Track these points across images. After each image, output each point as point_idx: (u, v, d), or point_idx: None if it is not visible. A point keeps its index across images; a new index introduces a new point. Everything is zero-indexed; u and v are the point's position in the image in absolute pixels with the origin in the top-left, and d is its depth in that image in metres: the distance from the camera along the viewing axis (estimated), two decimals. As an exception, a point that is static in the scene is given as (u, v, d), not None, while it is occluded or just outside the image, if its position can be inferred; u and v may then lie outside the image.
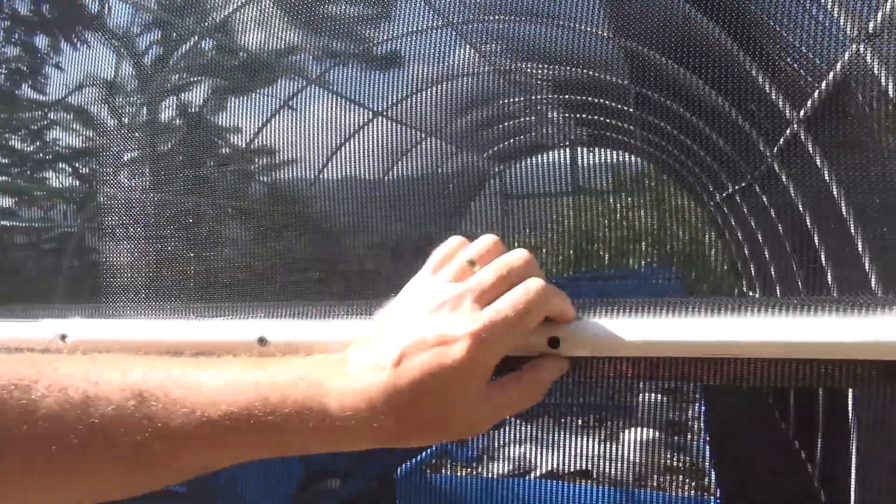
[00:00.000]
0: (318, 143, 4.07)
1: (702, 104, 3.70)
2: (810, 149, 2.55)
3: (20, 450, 0.51)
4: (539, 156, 5.77)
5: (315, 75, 4.15)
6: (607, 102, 4.68)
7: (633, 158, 5.37)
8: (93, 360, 0.56)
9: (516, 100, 4.75)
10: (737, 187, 4.15)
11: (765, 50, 2.39)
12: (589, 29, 3.64)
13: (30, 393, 0.52)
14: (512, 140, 5.28)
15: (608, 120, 4.94)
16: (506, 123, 5.07)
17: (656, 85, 3.97)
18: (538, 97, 4.75)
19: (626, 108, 4.55)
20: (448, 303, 0.52)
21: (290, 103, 4.08)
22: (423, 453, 2.85)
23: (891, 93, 1.85)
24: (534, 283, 0.53)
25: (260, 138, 3.50)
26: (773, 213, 3.59)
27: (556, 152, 5.64)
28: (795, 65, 2.34)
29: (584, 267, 6.27)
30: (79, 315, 0.79)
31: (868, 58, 1.66)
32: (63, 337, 0.73)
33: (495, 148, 5.36)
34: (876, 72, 1.66)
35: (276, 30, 2.97)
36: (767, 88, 2.66)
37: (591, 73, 4.13)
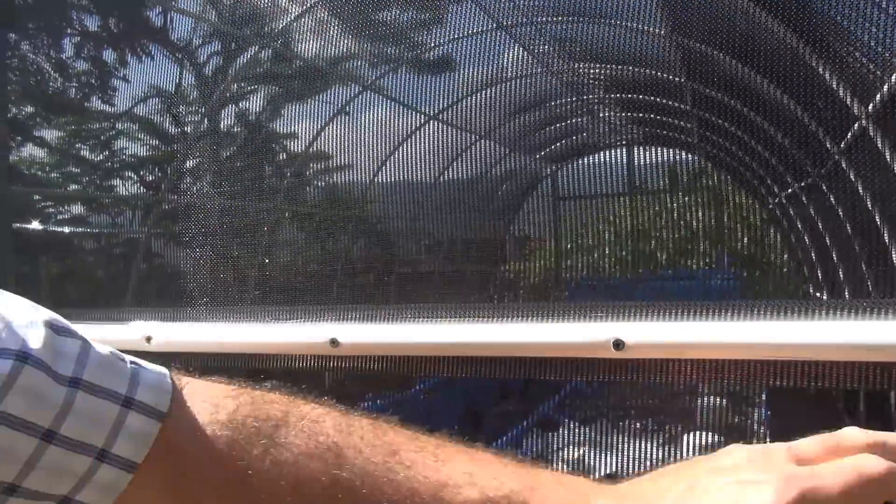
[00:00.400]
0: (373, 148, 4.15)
1: (763, 100, 3.60)
2: (879, 144, 2.46)
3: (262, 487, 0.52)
4: (594, 156, 5.72)
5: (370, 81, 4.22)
6: (664, 101, 4.61)
7: (690, 156, 5.27)
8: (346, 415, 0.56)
9: (572, 100, 4.73)
10: (801, 185, 4.03)
11: (829, 43, 2.32)
12: (645, 27, 3.60)
13: (276, 435, 0.53)
14: (569, 140, 5.25)
15: (666, 118, 4.86)
16: (562, 123, 5.05)
17: (715, 82, 3.88)
18: (592, 96, 4.71)
19: (684, 106, 4.47)
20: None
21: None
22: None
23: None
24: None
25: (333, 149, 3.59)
26: (840, 212, 3.47)
27: (611, 152, 5.58)
28: (863, 58, 2.26)
29: (640, 268, 6.18)
30: (160, 319, 0.84)
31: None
32: (148, 339, 0.78)
33: (549, 149, 5.34)
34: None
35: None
36: (832, 83, 2.58)
37: (647, 71, 4.07)
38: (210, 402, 0.57)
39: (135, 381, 0.56)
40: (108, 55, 3.27)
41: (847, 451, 0.44)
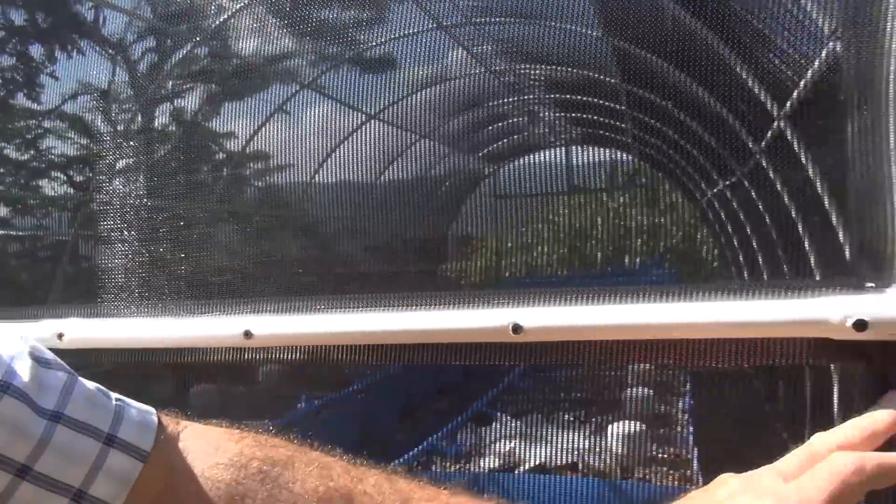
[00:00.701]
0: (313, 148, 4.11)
1: (694, 103, 3.73)
2: (794, 145, 2.58)
3: None
4: (533, 155, 5.82)
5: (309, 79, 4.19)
6: (600, 101, 4.72)
7: (626, 157, 5.42)
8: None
9: (510, 100, 4.79)
10: (727, 183, 4.20)
11: (748, 46, 2.43)
12: (580, 29, 3.68)
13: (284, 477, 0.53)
14: (505, 140, 5.32)
15: (602, 118, 4.98)
16: (498, 124, 5.11)
17: (647, 83, 4.00)
18: (531, 97, 4.79)
19: (619, 106, 4.59)
20: None
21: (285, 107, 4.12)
22: (412, 451, 2.90)
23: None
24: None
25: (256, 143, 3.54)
26: (760, 206, 3.63)
27: (550, 151, 5.68)
28: (777, 61, 2.38)
29: (578, 265, 6.31)
30: (75, 315, 0.83)
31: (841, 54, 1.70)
32: (60, 336, 0.77)
33: (489, 148, 5.40)
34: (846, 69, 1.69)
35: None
36: (752, 85, 2.70)
37: (582, 72, 4.17)
38: (211, 444, 0.56)
39: (118, 418, 0.54)
40: (35, 51, 3.15)
41: (821, 457, 0.48)
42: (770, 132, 2.93)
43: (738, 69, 2.73)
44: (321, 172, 4.05)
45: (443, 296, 0.63)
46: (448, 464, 3.05)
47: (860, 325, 0.50)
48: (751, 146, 3.29)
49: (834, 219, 2.06)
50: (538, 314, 0.57)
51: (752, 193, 3.92)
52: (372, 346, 0.64)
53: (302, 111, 4.44)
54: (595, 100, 4.74)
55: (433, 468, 3.00)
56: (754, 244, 4.21)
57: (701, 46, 2.86)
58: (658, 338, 0.56)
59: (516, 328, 0.57)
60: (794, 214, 2.97)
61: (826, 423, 0.55)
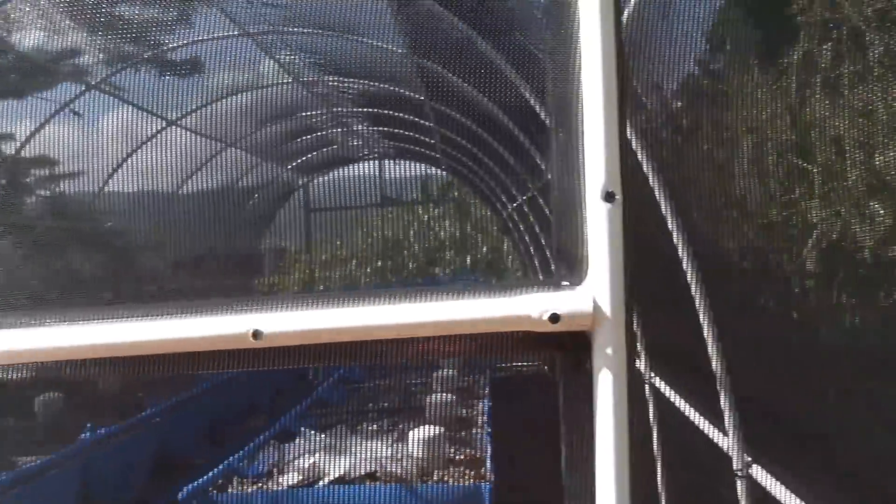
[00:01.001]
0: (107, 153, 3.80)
1: (495, 124, 3.96)
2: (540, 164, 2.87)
3: None
4: (345, 168, 5.84)
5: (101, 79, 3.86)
6: (410, 117, 4.87)
7: (436, 171, 5.63)
8: None
9: (321, 112, 4.77)
10: (524, 198, 4.53)
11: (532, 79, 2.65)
12: (386, 45, 3.77)
13: None
14: (317, 152, 5.29)
15: (412, 134, 5.13)
16: (311, 136, 5.07)
17: (451, 102, 4.19)
18: (342, 110, 4.81)
19: (426, 122, 4.76)
20: None
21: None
22: (208, 474, 2.75)
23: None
24: None
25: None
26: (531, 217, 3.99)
27: (362, 165, 5.74)
28: (531, 99, 2.63)
29: (392, 276, 6.43)
30: None
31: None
32: None
33: (300, 160, 5.33)
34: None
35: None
36: (536, 105, 2.95)
37: (392, 87, 4.27)
38: None
39: None
40: None
41: None
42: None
43: (526, 95, 2.97)
44: (114, 179, 3.75)
45: (177, 305, 0.62)
46: (246, 484, 2.95)
47: (554, 318, 0.57)
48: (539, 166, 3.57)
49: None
50: (279, 319, 0.59)
51: (525, 208, 4.26)
52: (102, 360, 0.61)
53: (92, 113, 4.07)
54: (406, 116, 4.88)
55: (229, 489, 2.89)
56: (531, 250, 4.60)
57: (495, 71, 3.06)
58: (388, 337, 0.59)
59: (256, 334, 0.58)
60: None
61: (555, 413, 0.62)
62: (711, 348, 2.01)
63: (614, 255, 0.58)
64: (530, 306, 0.58)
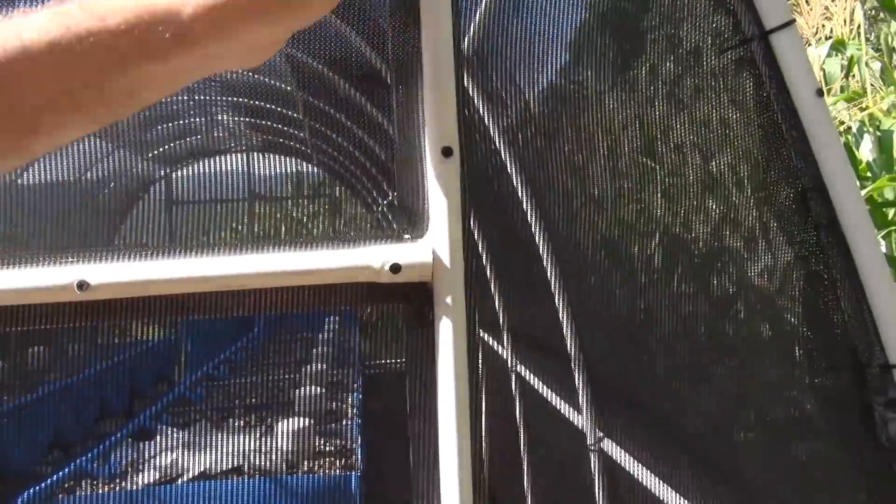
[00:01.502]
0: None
1: (362, 116, 3.96)
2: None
3: None
4: (211, 161, 5.58)
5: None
6: (279, 109, 4.75)
7: (308, 167, 5.53)
8: None
9: (183, 99, 4.53)
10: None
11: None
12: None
13: None
14: (180, 142, 5.02)
15: (283, 127, 5.00)
16: (171, 124, 4.80)
17: (321, 95, 4.13)
18: (206, 98, 4.60)
19: (297, 115, 4.66)
20: None
21: None
22: (54, 477, 2.55)
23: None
24: None
25: None
26: None
27: (229, 157, 5.52)
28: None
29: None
30: None
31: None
32: None
33: (160, 150, 5.04)
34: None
35: None
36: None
37: (258, 77, 4.14)
38: None
39: None
40: None
41: None
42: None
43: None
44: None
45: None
46: (99, 486, 2.76)
47: (395, 268, 0.59)
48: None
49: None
50: (106, 270, 0.56)
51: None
52: None
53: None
54: (274, 107, 4.75)
55: (78, 492, 2.69)
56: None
57: (363, 62, 3.06)
58: (228, 288, 0.59)
59: (82, 284, 0.55)
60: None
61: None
62: (567, 331, 2.14)
63: (453, 209, 0.60)
64: (372, 257, 0.59)
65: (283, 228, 6.67)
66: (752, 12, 0.90)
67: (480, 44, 1.84)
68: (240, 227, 6.59)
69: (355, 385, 4.16)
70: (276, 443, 3.00)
